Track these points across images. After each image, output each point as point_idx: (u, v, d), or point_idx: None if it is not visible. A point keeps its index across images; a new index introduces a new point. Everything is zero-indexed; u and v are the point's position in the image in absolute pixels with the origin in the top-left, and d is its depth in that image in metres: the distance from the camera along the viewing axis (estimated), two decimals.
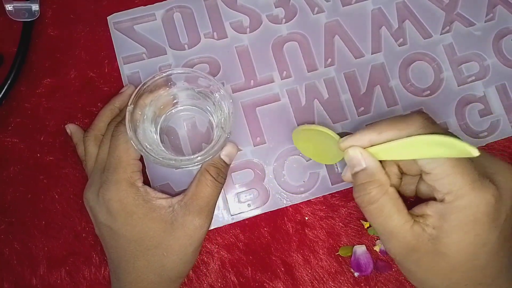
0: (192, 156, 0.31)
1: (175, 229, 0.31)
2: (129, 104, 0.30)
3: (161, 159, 0.30)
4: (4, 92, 0.36)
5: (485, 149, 0.38)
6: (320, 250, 0.37)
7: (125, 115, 0.30)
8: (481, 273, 0.26)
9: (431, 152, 0.25)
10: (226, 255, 0.36)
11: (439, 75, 0.39)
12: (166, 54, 0.38)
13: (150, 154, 0.30)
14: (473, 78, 0.39)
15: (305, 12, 0.39)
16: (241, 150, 0.36)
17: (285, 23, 0.39)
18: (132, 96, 0.30)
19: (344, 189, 0.37)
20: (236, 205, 0.36)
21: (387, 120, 0.27)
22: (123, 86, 0.37)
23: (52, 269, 0.36)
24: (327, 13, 0.39)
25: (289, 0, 0.39)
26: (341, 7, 0.39)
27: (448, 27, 0.40)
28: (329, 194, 0.37)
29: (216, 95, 0.32)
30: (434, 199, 0.27)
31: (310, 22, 0.39)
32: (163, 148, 0.34)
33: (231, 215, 0.36)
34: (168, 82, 0.32)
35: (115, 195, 0.30)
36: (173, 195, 0.32)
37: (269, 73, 0.38)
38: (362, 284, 0.36)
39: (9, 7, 0.37)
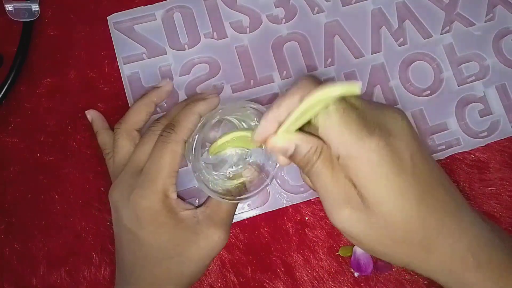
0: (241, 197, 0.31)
1: (200, 239, 0.31)
2: (196, 137, 0.30)
3: (211, 190, 0.31)
4: (4, 92, 0.36)
5: (485, 149, 0.38)
6: (320, 250, 0.37)
7: (177, 119, 0.31)
8: (418, 229, 0.24)
9: (325, 103, 0.23)
10: (226, 255, 0.36)
11: (439, 75, 0.39)
12: (166, 54, 0.38)
13: (203, 181, 0.30)
14: (473, 78, 0.39)
15: (305, 12, 0.39)
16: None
17: (285, 23, 0.39)
18: (201, 130, 0.30)
19: None
20: None
21: (281, 95, 0.27)
22: (123, 86, 0.37)
23: (52, 269, 0.36)
24: (327, 13, 0.39)
25: (289, 0, 0.39)
26: (341, 7, 0.39)
27: (448, 27, 0.40)
28: None
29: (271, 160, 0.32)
30: None
31: (310, 22, 0.39)
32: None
33: None
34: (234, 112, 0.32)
35: (149, 204, 0.30)
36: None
37: (269, 73, 0.38)
38: (362, 284, 0.36)
39: (9, 7, 0.37)
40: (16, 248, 0.36)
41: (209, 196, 0.32)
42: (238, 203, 0.33)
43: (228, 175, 0.33)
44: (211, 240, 0.31)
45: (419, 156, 0.25)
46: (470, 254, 0.25)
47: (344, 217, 0.25)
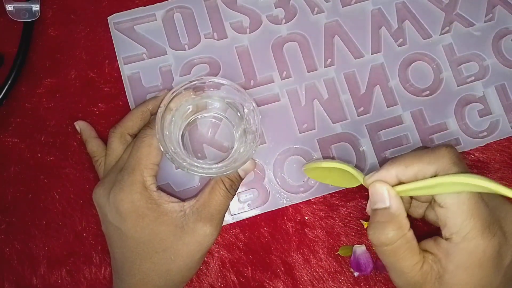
0: (217, 165, 0.31)
1: (185, 234, 0.31)
2: (160, 106, 0.30)
3: (184, 164, 0.30)
4: (4, 92, 0.36)
5: (484, 149, 0.38)
6: (320, 250, 0.37)
7: (154, 117, 0.30)
8: None
9: (457, 189, 0.25)
10: (226, 255, 0.36)
11: (438, 75, 0.39)
12: (167, 54, 0.38)
13: (175, 158, 0.30)
14: (473, 78, 0.39)
15: (305, 12, 0.39)
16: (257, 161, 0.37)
17: (285, 23, 0.39)
18: (165, 99, 0.31)
19: (344, 189, 0.37)
20: (236, 205, 0.37)
21: (413, 153, 0.28)
22: (123, 87, 0.38)
23: (52, 269, 0.36)
24: (327, 14, 0.39)
25: (289, 1, 0.39)
26: (340, 8, 0.40)
27: (447, 28, 0.40)
28: (328, 194, 0.37)
29: (245, 109, 0.32)
30: (440, 229, 0.28)
31: (310, 22, 0.39)
32: (184, 152, 0.34)
33: (231, 215, 0.36)
34: (200, 89, 0.32)
35: (128, 196, 0.30)
36: (175, 196, 0.32)
37: (269, 74, 0.38)
38: (361, 284, 0.36)
39: (9, 7, 0.37)
40: (16, 248, 0.36)
41: (200, 191, 0.33)
42: (232, 196, 0.33)
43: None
44: (198, 235, 0.31)
45: None
46: None
47: None
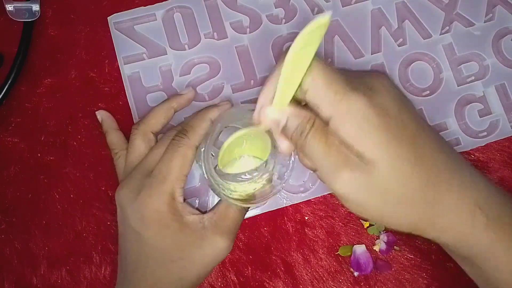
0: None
1: (204, 245, 0.31)
2: (207, 142, 0.30)
3: (221, 190, 0.30)
4: (4, 92, 0.36)
5: (484, 149, 0.38)
6: (320, 250, 0.37)
7: (190, 133, 0.31)
8: (419, 187, 0.23)
9: (306, 58, 0.24)
10: None
11: (438, 75, 0.39)
12: (167, 54, 0.38)
13: (212, 183, 0.30)
14: (473, 78, 0.39)
15: (305, 12, 0.39)
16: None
17: (285, 23, 0.39)
18: (212, 135, 0.30)
19: None
20: None
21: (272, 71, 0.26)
22: (123, 86, 0.37)
23: (52, 268, 0.36)
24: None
25: (289, 0, 0.39)
26: (341, 7, 0.39)
27: (447, 27, 0.40)
28: (328, 193, 0.37)
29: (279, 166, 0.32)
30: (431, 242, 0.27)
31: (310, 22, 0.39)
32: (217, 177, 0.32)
33: None
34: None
35: (155, 204, 0.30)
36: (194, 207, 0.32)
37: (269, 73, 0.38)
38: (361, 284, 0.36)
39: (9, 7, 0.37)
40: (16, 248, 0.36)
41: (217, 203, 0.33)
42: (246, 210, 0.33)
43: (241, 181, 0.31)
44: (216, 247, 0.31)
45: (406, 111, 0.24)
46: (478, 208, 0.24)
47: (344, 181, 0.23)
